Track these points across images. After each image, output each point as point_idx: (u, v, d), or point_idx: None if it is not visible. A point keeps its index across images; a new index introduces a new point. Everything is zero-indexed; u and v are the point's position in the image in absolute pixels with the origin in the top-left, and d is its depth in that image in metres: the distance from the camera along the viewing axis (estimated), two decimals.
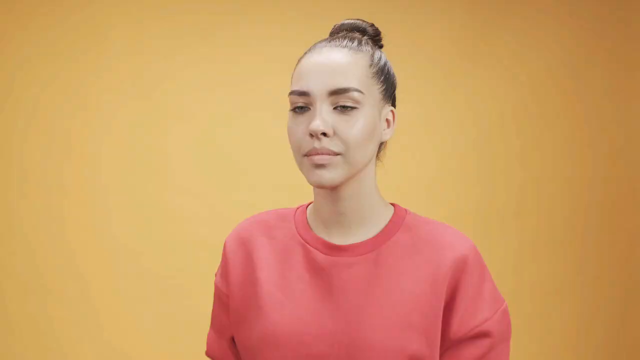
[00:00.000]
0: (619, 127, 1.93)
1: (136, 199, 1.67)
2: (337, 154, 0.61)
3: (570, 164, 1.90)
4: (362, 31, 0.67)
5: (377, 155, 0.67)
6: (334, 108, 0.61)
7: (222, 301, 0.70)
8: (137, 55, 1.67)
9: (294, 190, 1.72)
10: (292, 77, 0.64)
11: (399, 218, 0.66)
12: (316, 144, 0.60)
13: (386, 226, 0.65)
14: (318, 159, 0.61)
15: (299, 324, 0.63)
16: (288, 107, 1.76)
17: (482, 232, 1.84)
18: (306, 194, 1.72)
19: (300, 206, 0.70)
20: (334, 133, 0.61)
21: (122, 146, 1.67)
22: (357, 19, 0.68)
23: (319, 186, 0.62)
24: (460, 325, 0.63)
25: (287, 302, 0.64)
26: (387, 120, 0.65)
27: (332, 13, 1.77)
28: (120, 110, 1.66)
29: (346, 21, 0.67)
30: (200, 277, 1.69)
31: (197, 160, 1.70)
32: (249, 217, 0.79)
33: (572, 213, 1.90)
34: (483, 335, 0.63)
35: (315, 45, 0.65)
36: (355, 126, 0.61)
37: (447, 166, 1.83)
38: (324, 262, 0.64)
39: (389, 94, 0.65)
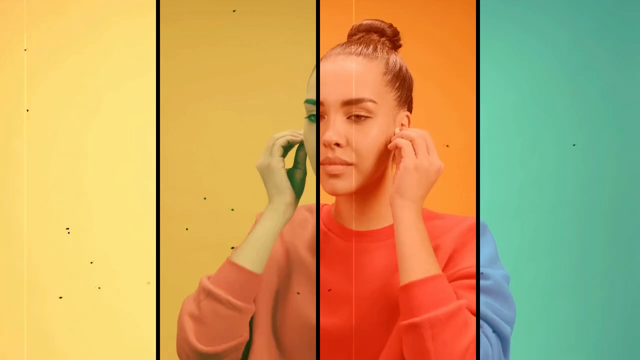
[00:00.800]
0: (619, 126, 1.92)
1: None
2: (350, 164, 0.61)
3: (570, 164, 1.89)
4: (380, 32, 0.65)
5: (394, 160, 0.67)
6: (348, 117, 0.61)
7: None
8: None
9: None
10: (307, 84, 0.64)
11: None
12: (329, 154, 0.61)
13: None
14: (331, 168, 0.61)
15: (321, 310, 0.63)
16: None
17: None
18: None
19: (326, 204, 0.70)
20: (347, 143, 0.60)
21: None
22: (376, 20, 0.66)
23: (332, 194, 0.62)
24: (455, 267, 0.61)
25: (310, 291, 0.64)
26: (402, 125, 0.64)
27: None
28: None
29: (364, 22, 0.66)
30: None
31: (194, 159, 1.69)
32: None
33: (572, 213, 1.89)
34: (482, 276, 0.62)
35: (330, 51, 0.64)
36: (368, 136, 0.61)
37: (447, 165, 1.82)
38: (345, 249, 0.64)
39: (404, 100, 0.64)
